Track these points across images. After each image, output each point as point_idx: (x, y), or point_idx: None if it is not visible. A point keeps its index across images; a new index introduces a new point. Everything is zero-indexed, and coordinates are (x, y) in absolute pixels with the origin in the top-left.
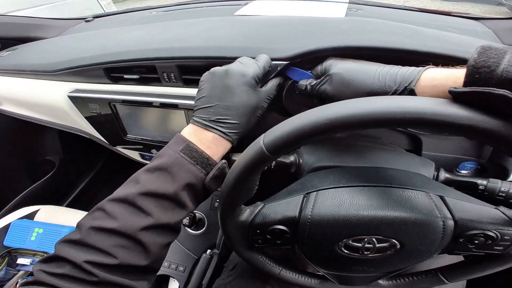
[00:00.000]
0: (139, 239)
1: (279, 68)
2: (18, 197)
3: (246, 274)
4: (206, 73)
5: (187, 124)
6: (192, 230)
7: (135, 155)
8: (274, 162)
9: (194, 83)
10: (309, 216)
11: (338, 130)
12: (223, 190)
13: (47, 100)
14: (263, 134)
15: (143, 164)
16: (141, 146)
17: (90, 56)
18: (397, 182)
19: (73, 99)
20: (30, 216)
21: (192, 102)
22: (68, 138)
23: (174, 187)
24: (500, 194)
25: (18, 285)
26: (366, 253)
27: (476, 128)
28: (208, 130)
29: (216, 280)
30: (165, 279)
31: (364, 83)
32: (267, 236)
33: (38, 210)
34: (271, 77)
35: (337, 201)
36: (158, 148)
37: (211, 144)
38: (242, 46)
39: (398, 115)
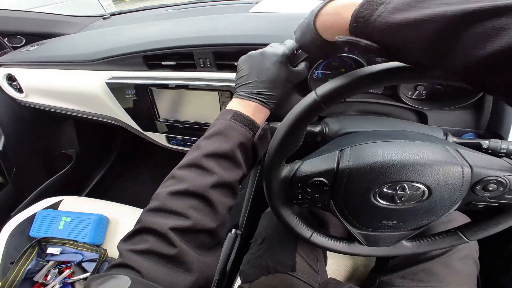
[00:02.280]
0: (208, 197)
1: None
2: (38, 189)
3: (276, 246)
4: (244, 56)
5: (220, 105)
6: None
7: (162, 139)
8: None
9: (226, 67)
10: (347, 166)
11: (369, 84)
12: (273, 141)
13: (83, 89)
14: (314, 90)
15: (156, 156)
16: (169, 131)
17: (130, 45)
18: (418, 138)
19: (110, 86)
20: (54, 206)
21: (226, 84)
22: (84, 133)
23: (230, 146)
24: (502, 151)
25: (106, 267)
26: (398, 201)
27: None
28: (251, 100)
29: (245, 256)
30: None
31: (309, 44)
32: (308, 189)
33: (61, 201)
34: (301, 60)
35: (371, 152)
36: (187, 130)
37: (255, 111)
38: (270, 34)
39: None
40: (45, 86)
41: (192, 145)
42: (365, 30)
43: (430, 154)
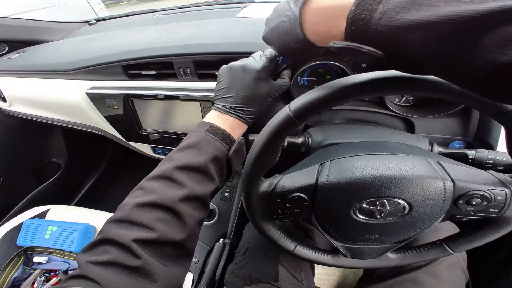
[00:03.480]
0: (176, 210)
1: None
2: (27, 198)
3: (259, 256)
4: (225, 67)
5: (202, 114)
6: (205, 220)
7: (147, 149)
8: (286, 141)
9: (208, 77)
10: (326, 182)
11: (345, 98)
12: (249, 157)
13: (64, 99)
14: (288, 104)
15: (146, 163)
16: (153, 141)
17: (109, 54)
18: (400, 151)
19: (91, 96)
20: (42, 216)
21: (207, 94)
22: (73, 141)
23: (203, 159)
24: (488, 161)
25: (63, 280)
26: (378, 217)
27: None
28: (229, 115)
29: (229, 266)
30: None
31: (293, 50)
32: (287, 204)
33: (49, 210)
34: (281, 69)
35: (350, 166)
36: (171, 140)
37: (232, 125)
38: (252, 42)
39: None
40: (29, 95)
41: None
42: (365, 34)
43: (410, 169)
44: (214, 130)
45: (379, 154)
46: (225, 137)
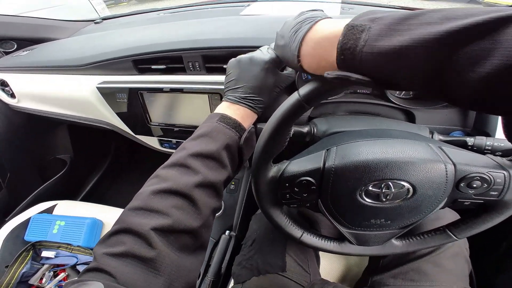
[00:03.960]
0: (191, 196)
1: None
2: (33, 194)
3: (266, 248)
4: (233, 60)
5: (210, 107)
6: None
7: (154, 143)
8: (292, 130)
9: (216, 70)
10: (333, 165)
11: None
12: (259, 142)
13: (74, 93)
14: (297, 90)
15: (150, 160)
16: (161, 134)
17: (119, 50)
18: (403, 137)
19: (101, 90)
20: (49, 211)
21: (215, 87)
22: (78, 138)
23: (216, 146)
24: (487, 147)
25: (81, 272)
26: (384, 199)
27: None
28: (239, 104)
29: (236, 257)
30: None
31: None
32: (295, 188)
33: (56, 205)
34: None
35: (356, 151)
36: (179, 133)
37: (243, 115)
38: (259, 37)
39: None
40: (37, 91)
41: None
42: (353, 62)
43: (413, 152)
44: (225, 119)
45: (383, 139)
46: (236, 126)
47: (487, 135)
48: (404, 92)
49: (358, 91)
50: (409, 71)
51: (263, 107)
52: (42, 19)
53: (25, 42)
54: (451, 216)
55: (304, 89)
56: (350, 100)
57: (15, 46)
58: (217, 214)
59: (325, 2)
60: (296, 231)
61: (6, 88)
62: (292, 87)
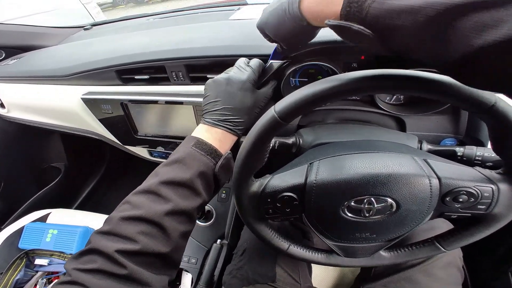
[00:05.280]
0: (161, 224)
1: (275, 68)
2: (27, 202)
3: (256, 258)
4: (210, 81)
5: (196, 118)
6: (201, 222)
7: (144, 153)
8: (277, 142)
9: (200, 80)
10: (314, 181)
11: (329, 97)
12: (238, 158)
13: (61, 104)
14: (273, 105)
15: (144, 167)
16: (149, 145)
17: (103, 60)
18: (387, 149)
19: (86, 101)
20: (43, 219)
21: (198, 100)
22: (71, 146)
23: (189, 174)
24: (477, 158)
25: (51, 285)
26: (367, 215)
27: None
28: (217, 127)
29: (227, 267)
30: (179, 272)
31: (287, 29)
32: (277, 204)
33: (49, 213)
34: (265, 78)
35: (338, 165)
36: (166, 143)
37: (221, 137)
38: (242, 45)
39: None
40: (26, 101)
41: None
42: (358, 15)
43: (396, 167)
44: (200, 145)
45: (367, 152)
46: (211, 152)
47: (480, 142)
48: (394, 98)
49: (348, 98)
50: (413, 30)
51: (243, 129)
52: (30, 26)
53: (13, 50)
54: (444, 226)
55: (280, 105)
56: (339, 107)
57: (3, 54)
58: (208, 223)
59: None
60: (283, 244)
61: None
62: (279, 94)
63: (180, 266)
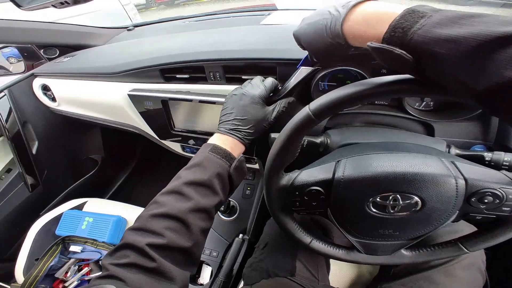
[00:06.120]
0: (184, 219)
1: (304, 74)
2: (66, 191)
3: (277, 252)
4: (228, 94)
5: None
6: (225, 216)
7: (177, 147)
8: (306, 140)
9: (235, 80)
10: (342, 177)
11: (361, 98)
12: (271, 152)
13: (108, 99)
14: (308, 104)
15: (170, 165)
16: (182, 139)
17: (148, 59)
18: (415, 151)
19: (132, 97)
20: (79, 207)
21: None
22: (109, 140)
23: (207, 176)
24: (504, 163)
25: (92, 280)
26: (391, 211)
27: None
28: (228, 135)
29: (248, 260)
30: (199, 264)
31: (323, 44)
32: (305, 197)
33: (86, 202)
34: (280, 97)
35: (365, 163)
36: (198, 139)
37: (232, 145)
38: (274, 49)
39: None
40: (75, 96)
41: None
42: (401, 40)
43: (423, 166)
44: (216, 149)
45: (394, 153)
46: (226, 155)
47: (509, 150)
48: (424, 103)
49: (376, 102)
50: (453, 58)
51: (252, 139)
52: (81, 26)
53: (66, 49)
54: (467, 229)
55: (314, 104)
56: (367, 111)
57: (58, 52)
58: (232, 217)
59: None
60: (306, 237)
61: (48, 92)
62: (308, 96)
63: (202, 259)
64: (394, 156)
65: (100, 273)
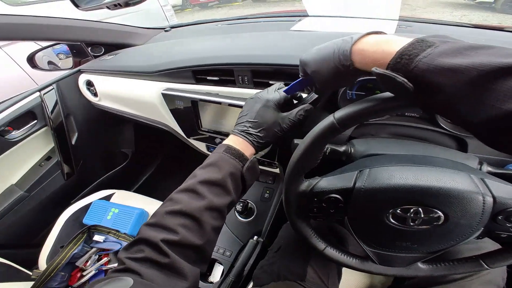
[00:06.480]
0: (197, 217)
1: (313, 98)
2: (97, 181)
3: (290, 256)
4: (248, 98)
5: None
6: (242, 217)
7: (202, 146)
8: (329, 148)
9: (262, 85)
10: (363, 186)
11: (387, 111)
12: (293, 157)
13: (143, 96)
14: (333, 113)
15: (197, 160)
16: (208, 139)
17: (182, 60)
18: (442, 165)
19: (165, 96)
20: (107, 198)
21: None
22: (140, 135)
23: (221, 175)
24: None
25: (109, 272)
26: (411, 224)
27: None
28: (241, 137)
29: (260, 261)
30: (212, 262)
31: (330, 67)
32: (323, 204)
33: (114, 193)
34: (299, 107)
35: (388, 175)
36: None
37: (243, 146)
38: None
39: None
40: (115, 92)
41: None
42: (406, 67)
43: (450, 182)
44: (230, 150)
45: (420, 166)
46: (239, 156)
47: None
48: None
49: (406, 114)
50: (453, 88)
51: (262, 143)
52: (125, 25)
53: (110, 47)
54: (491, 247)
55: (339, 112)
56: (395, 122)
57: (103, 50)
58: (249, 219)
59: (381, 19)
60: (320, 244)
61: (91, 88)
62: (334, 103)
63: (214, 257)
64: (420, 169)
65: (116, 265)
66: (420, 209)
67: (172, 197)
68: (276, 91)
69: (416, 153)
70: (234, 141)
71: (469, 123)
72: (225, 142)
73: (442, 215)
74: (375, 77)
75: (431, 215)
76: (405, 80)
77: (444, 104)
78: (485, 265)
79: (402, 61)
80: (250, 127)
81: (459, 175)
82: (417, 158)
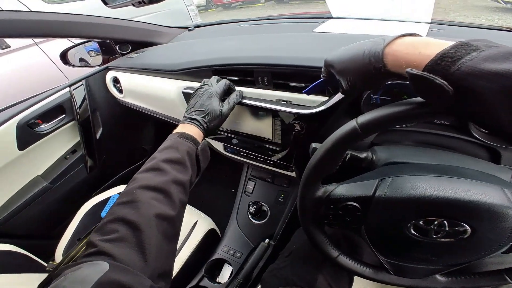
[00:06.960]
0: (166, 190)
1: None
2: (117, 176)
3: (300, 261)
4: (194, 91)
5: (272, 121)
6: (255, 219)
7: (219, 146)
8: (349, 154)
9: (281, 87)
10: (383, 196)
11: (413, 119)
12: (311, 161)
13: (164, 94)
14: (356, 118)
15: (209, 161)
16: (225, 139)
17: (202, 60)
18: (472, 177)
19: (185, 94)
20: None
21: (281, 108)
22: (160, 132)
23: (180, 154)
24: None
25: (79, 258)
26: (434, 236)
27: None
28: (191, 124)
29: (270, 265)
30: (221, 263)
31: (358, 68)
32: (339, 211)
33: None
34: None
35: (412, 185)
36: (240, 140)
37: (193, 131)
38: (323, 57)
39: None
40: (138, 89)
41: (244, 155)
42: (446, 69)
43: (480, 195)
44: (184, 135)
45: (447, 177)
46: (192, 139)
47: None
48: None
49: (435, 121)
50: (495, 93)
51: (207, 127)
52: (151, 24)
53: (137, 45)
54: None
55: (363, 117)
56: (422, 130)
57: (130, 48)
58: (262, 221)
59: (413, 22)
60: (333, 251)
61: (117, 85)
62: (357, 108)
63: (225, 258)
64: (446, 180)
65: (90, 249)
66: (445, 221)
67: (136, 177)
68: (214, 83)
69: (442, 162)
70: (185, 128)
71: (510, 133)
72: (176, 130)
73: (468, 228)
74: (404, 81)
75: (456, 228)
76: (445, 82)
77: (483, 111)
78: (509, 279)
79: (443, 64)
80: (197, 115)
81: (491, 188)
82: (445, 168)
